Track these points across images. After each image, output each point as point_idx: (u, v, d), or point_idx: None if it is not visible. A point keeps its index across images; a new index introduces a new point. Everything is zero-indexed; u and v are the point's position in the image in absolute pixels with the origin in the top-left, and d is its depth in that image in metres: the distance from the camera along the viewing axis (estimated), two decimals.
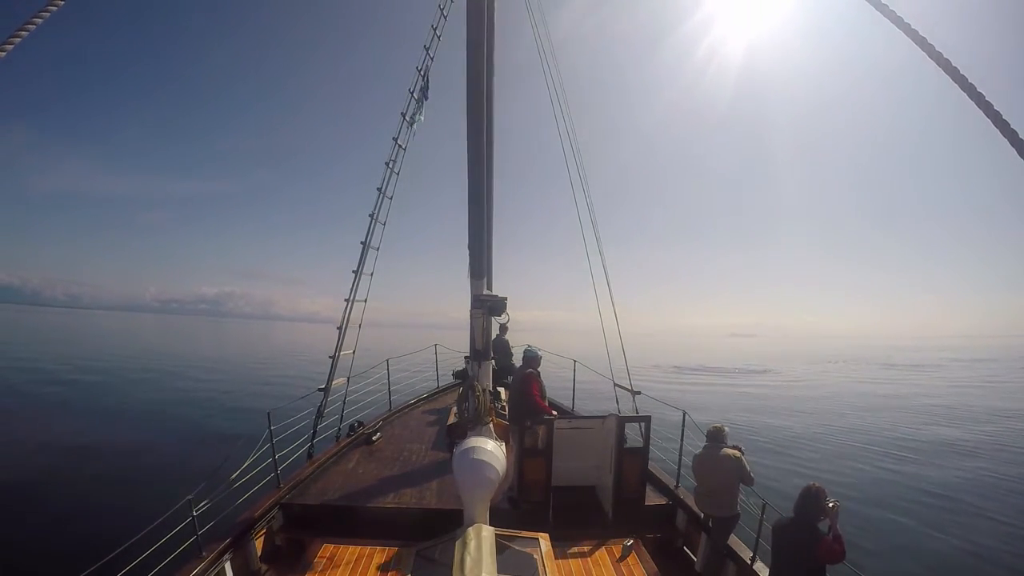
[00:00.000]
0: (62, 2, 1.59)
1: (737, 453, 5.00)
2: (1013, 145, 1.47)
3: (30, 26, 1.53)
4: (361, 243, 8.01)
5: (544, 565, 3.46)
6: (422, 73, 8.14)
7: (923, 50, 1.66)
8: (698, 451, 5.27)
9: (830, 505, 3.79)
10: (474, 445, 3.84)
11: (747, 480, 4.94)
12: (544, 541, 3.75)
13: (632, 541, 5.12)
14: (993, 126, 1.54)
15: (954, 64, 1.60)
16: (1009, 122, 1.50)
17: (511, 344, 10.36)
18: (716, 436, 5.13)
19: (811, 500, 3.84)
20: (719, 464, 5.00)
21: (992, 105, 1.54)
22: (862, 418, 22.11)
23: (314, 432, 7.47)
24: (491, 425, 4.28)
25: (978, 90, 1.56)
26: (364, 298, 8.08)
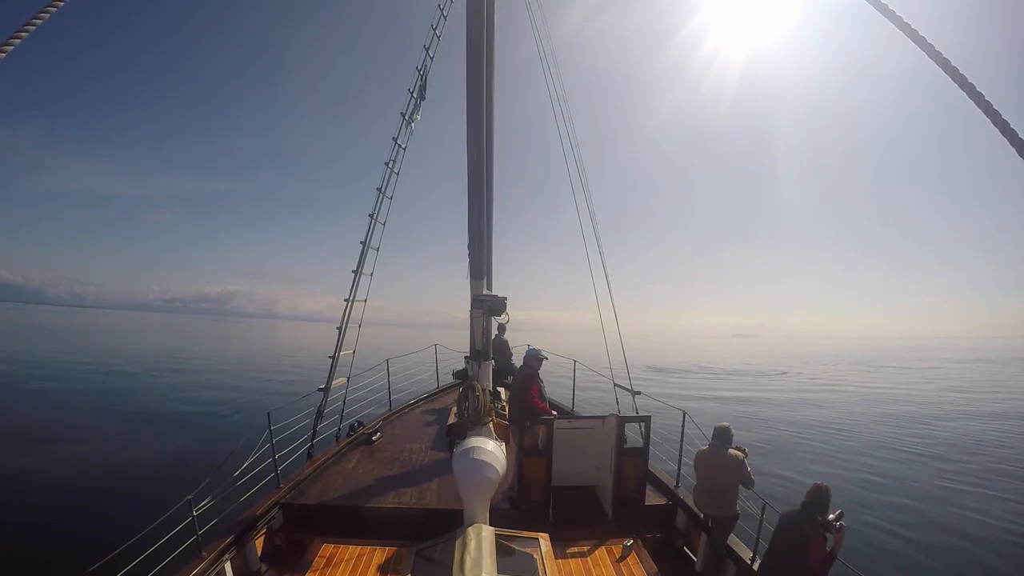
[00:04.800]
0: (62, 2, 1.59)
1: (740, 454, 5.01)
2: (1012, 145, 1.48)
3: (33, 23, 1.52)
4: (361, 243, 8.02)
5: (544, 565, 3.46)
6: (421, 73, 8.15)
7: (924, 51, 1.68)
8: (702, 448, 5.28)
9: (837, 525, 3.87)
10: (474, 445, 3.83)
11: (747, 482, 4.95)
12: (544, 541, 3.75)
13: (632, 541, 5.12)
14: (993, 126, 1.56)
15: (954, 64, 1.61)
16: (1009, 122, 1.52)
17: (511, 344, 10.37)
18: (722, 436, 5.12)
19: (820, 497, 3.95)
20: (722, 464, 5.00)
21: (991, 104, 1.55)
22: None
23: (314, 432, 7.47)
24: (491, 425, 4.28)
25: (978, 90, 1.58)
26: (364, 298, 8.09)
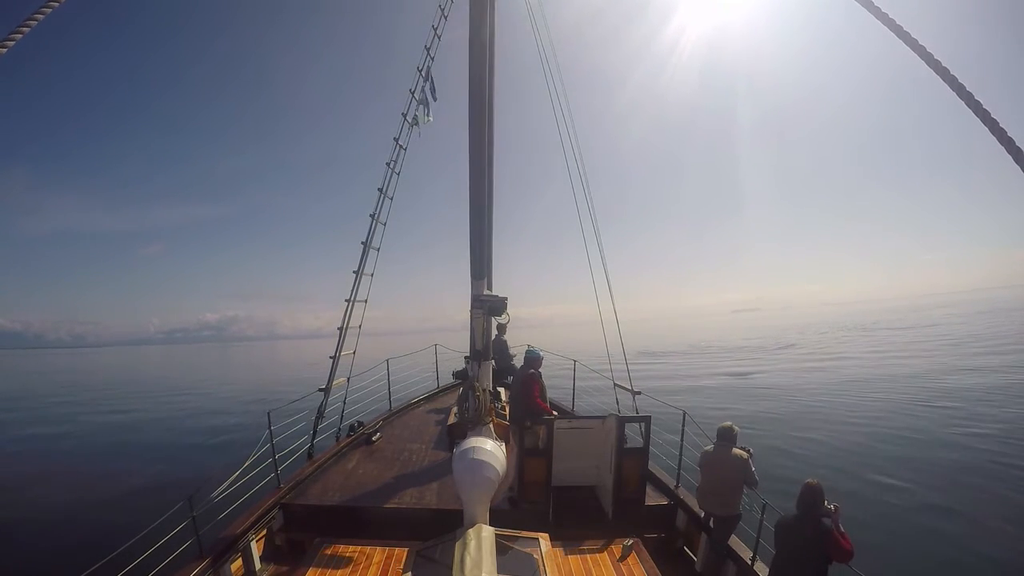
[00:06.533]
0: (35, 22, 1.57)
1: (745, 454, 5.02)
2: (1000, 142, 1.48)
3: (31, 22, 1.52)
4: (362, 243, 8.03)
5: (544, 565, 3.45)
6: (423, 73, 8.15)
7: (894, 32, 1.70)
8: (707, 448, 5.29)
9: (832, 507, 3.86)
10: (474, 445, 3.83)
11: (751, 482, 4.95)
12: (544, 541, 3.75)
13: (632, 541, 5.12)
14: (969, 108, 1.59)
15: (921, 43, 1.65)
16: (984, 106, 1.55)
17: (509, 343, 10.35)
18: (726, 435, 5.13)
19: (816, 496, 3.91)
20: (727, 463, 5.01)
21: (957, 78, 1.60)
22: None
23: (314, 432, 7.48)
24: (491, 425, 4.27)
25: (935, 56, 1.63)
26: (365, 298, 8.09)
